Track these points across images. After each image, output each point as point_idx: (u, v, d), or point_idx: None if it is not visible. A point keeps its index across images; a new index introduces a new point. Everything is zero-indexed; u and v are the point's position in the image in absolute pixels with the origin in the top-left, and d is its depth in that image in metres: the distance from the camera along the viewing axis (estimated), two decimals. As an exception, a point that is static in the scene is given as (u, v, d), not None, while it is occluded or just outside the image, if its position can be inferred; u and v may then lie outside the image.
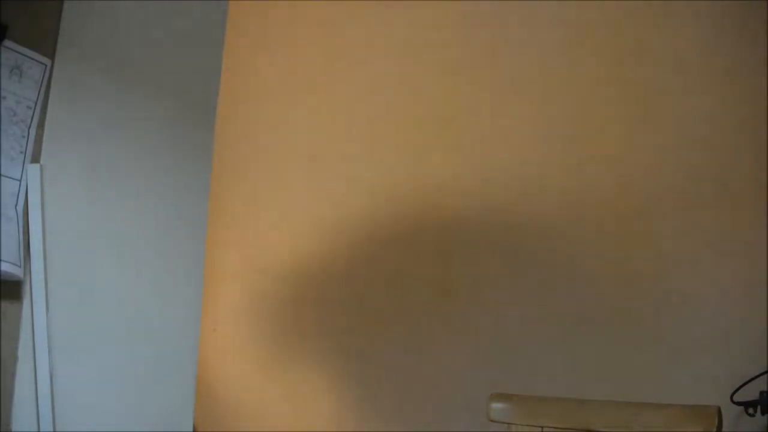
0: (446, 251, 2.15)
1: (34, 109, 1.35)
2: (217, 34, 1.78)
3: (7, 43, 1.30)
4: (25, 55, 1.34)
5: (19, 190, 1.32)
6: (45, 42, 1.39)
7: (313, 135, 2.47)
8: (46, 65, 1.38)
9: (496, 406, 1.40)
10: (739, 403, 1.60)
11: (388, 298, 2.22)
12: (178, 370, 1.61)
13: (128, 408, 1.48)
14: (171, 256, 1.63)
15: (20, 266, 1.29)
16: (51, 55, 1.39)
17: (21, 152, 1.33)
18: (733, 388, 1.60)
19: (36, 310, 1.31)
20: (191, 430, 1.61)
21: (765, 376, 1.59)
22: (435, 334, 2.12)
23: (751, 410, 1.59)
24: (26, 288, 1.31)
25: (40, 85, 1.36)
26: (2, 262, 1.25)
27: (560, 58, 2.08)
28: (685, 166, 1.86)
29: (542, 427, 1.34)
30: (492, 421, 1.40)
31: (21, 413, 1.27)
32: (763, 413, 1.57)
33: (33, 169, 1.34)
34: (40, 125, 1.37)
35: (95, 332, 1.43)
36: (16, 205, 1.31)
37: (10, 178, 1.30)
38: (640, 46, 1.97)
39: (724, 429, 1.19)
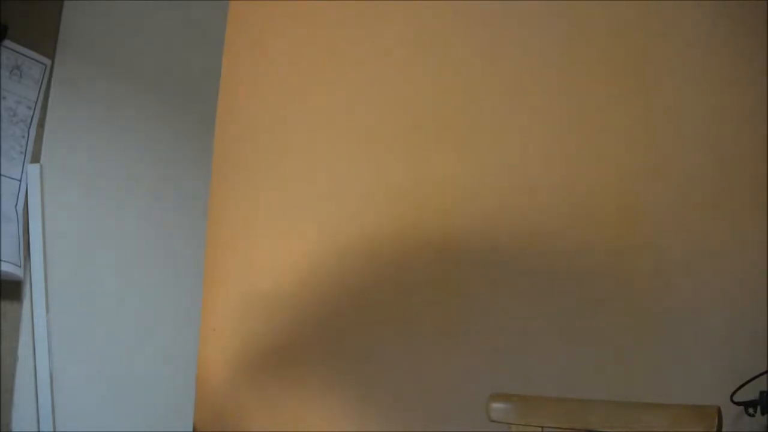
0: (446, 251, 2.15)
1: (34, 109, 1.35)
2: (217, 34, 1.78)
3: (7, 43, 1.30)
4: (25, 55, 1.34)
5: (19, 190, 1.32)
6: (45, 42, 1.39)
7: (313, 135, 2.47)
8: (46, 65, 1.38)
9: (496, 406, 1.40)
10: (739, 403, 1.60)
11: (388, 297, 2.22)
12: (178, 370, 1.61)
13: (128, 408, 1.48)
14: (171, 255, 1.63)
15: (20, 266, 1.29)
16: (51, 55, 1.39)
17: (21, 152, 1.33)
18: (733, 388, 1.60)
19: (36, 310, 1.31)
20: (191, 430, 1.61)
21: (765, 376, 1.59)
22: (435, 334, 2.12)
23: (751, 410, 1.59)
24: (26, 288, 1.31)
25: (40, 85, 1.36)
26: (2, 262, 1.24)
27: (560, 58, 2.08)
28: (685, 166, 1.86)
29: (542, 427, 1.34)
30: (492, 421, 1.40)
31: (21, 413, 1.27)
32: (763, 413, 1.57)
33: (33, 169, 1.34)
34: (40, 125, 1.37)
35: (95, 332, 1.43)
36: (16, 205, 1.31)
37: (10, 178, 1.30)
38: (640, 46, 1.97)
39: (724, 429, 1.19)
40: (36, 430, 1.28)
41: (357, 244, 2.30)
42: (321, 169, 2.44)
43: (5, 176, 1.29)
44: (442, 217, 2.17)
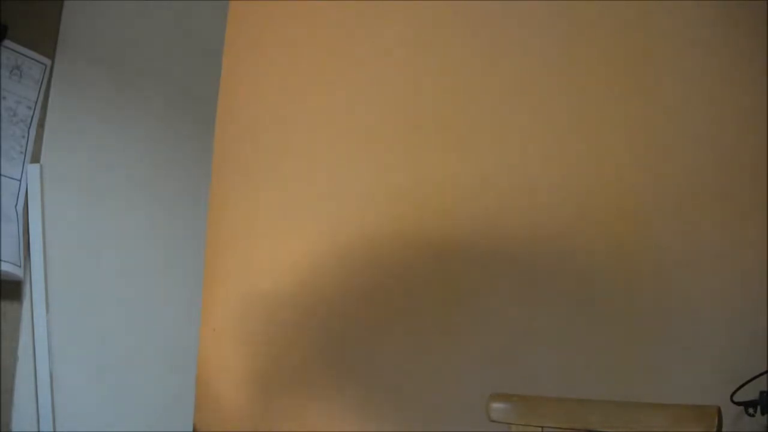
0: (446, 251, 2.15)
1: (34, 109, 1.35)
2: (217, 34, 1.78)
3: (7, 43, 1.30)
4: (25, 55, 1.34)
5: (19, 190, 1.32)
6: (45, 42, 1.38)
7: (313, 135, 2.47)
8: (46, 65, 1.37)
9: (496, 406, 1.40)
10: (739, 403, 1.60)
11: (388, 298, 2.22)
12: (178, 370, 1.61)
13: (128, 408, 1.48)
14: (171, 255, 1.63)
15: (20, 266, 1.29)
16: (51, 55, 1.39)
17: (21, 152, 1.33)
18: (733, 388, 1.60)
19: (36, 310, 1.31)
20: (191, 430, 1.61)
21: (765, 376, 1.59)
22: (435, 334, 2.12)
23: (751, 410, 1.59)
24: (26, 288, 1.31)
25: (40, 85, 1.36)
26: (2, 262, 1.24)
27: (560, 58, 2.08)
28: (685, 166, 1.86)
29: (542, 427, 1.34)
30: (492, 421, 1.40)
31: (21, 413, 1.27)
32: (763, 413, 1.57)
33: (33, 169, 1.34)
34: (40, 125, 1.37)
35: (95, 332, 1.43)
36: (16, 205, 1.31)
37: (10, 178, 1.30)
38: (640, 46, 1.97)
39: (724, 429, 1.19)
40: (36, 430, 1.28)
41: (357, 244, 2.30)
42: (321, 169, 2.44)
43: (5, 176, 1.29)
44: (442, 217, 2.17)
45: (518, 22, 2.17)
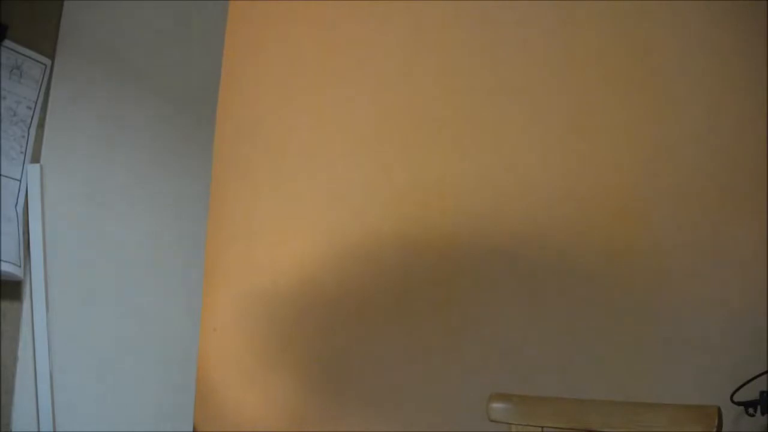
0: (446, 251, 2.15)
1: (34, 109, 1.35)
2: (217, 34, 1.78)
3: (7, 43, 1.30)
4: (25, 55, 1.34)
5: (19, 190, 1.32)
6: (45, 42, 1.39)
7: (313, 135, 2.48)
8: (46, 65, 1.37)
9: (496, 406, 1.40)
10: (739, 403, 1.60)
11: (388, 298, 2.22)
12: (178, 370, 1.61)
13: (128, 408, 1.48)
14: (171, 255, 1.63)
15: (20, 266, 1.29)
16: (51, 55, 1.39)
17: (21, 152, 1.33)
18: (733, 388, 1.60)
19: (36, 310, 1.31)
20: (191, 430, 1.61)
21: (765, 376, 1.59)
22: (435, 334, 2.12)
23: (751, 410, 1.59)
24: (26, 288, 1.31)
25: (40, 85, 1.36)
26: (2, 262, 1.24)
27: (560, 58, 2.08)
28: (685, 166, 1.86)
29: (542, 427, 1.34)
30: (492, 421, 1.40)
31: (21, 413, 1.27)
32: (763, 413, 1.57)
33: (33, 169, 1.34)
34: (40, 125, 1.37)
35: (95, 332, 1.43)
36: (16, 205, 1.31)
37: (10, 178, 1.30)
38: (640, 46, 1.97)
39: (724, 429, 1.19)
40: (36, 430, 1.28)
41: (357, 244, 2.30)
42: (321, 169, 2.44)
43: (5, 176, 1.29)
44: (442, 217, 2.17)
45: (518, 22, 2.17)
